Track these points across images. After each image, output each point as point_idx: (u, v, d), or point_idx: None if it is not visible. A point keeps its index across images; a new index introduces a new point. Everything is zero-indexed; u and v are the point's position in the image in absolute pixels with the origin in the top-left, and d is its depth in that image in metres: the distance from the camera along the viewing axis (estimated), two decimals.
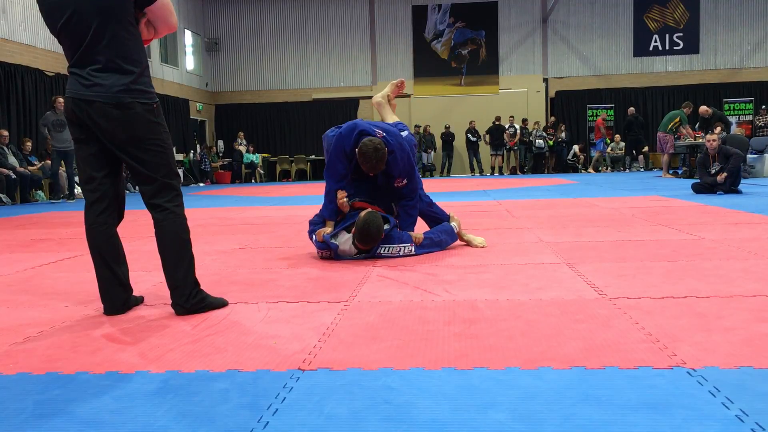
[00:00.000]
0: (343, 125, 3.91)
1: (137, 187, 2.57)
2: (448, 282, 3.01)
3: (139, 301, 2.73)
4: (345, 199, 3.75)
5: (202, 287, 2.58)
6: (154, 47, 17.46)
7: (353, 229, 3.63)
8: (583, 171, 18.39)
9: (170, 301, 2.54)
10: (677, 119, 12.79)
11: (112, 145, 2.46)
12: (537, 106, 19.63)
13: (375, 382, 1.70)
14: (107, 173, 2.54)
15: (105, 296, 2.56)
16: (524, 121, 18.58)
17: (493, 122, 18.25)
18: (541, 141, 18.34)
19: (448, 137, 18.61)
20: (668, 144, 12.88)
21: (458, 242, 4.16)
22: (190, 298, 2.50)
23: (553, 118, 18.98)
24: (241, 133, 19.34)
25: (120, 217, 2.61)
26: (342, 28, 20.11)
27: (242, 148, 19.02)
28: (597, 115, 19.02)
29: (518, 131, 18.46)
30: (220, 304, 2.61)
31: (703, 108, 13.15)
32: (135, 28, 2.45)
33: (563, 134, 18.45)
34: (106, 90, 2.38)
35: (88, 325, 2.40)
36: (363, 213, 3.61)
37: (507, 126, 18.37)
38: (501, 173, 18.44)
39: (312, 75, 20.30)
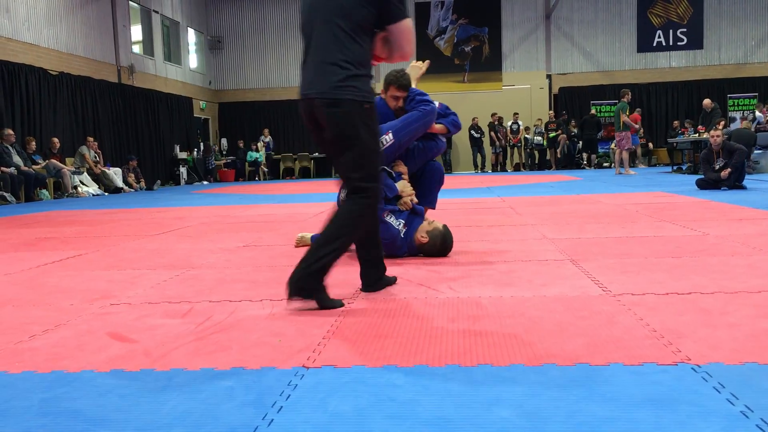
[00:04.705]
0: None
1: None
2: (452, 279, 3.01)
3: (392, 281, 2.83)
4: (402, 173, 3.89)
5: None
6: (158, 46, 17.48)
7: (423, 238, 3.62)
8: (586, 167, 18.36)
9: (175, 300, 2.54)
10: (621, 113, 13.09)
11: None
12: (540, 102, 19.59)
13: (379, 379, 1.70)
14: None
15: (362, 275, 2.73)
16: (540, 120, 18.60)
17: (497, 119, 18.21)
18: (539, 138, 18.31)
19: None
20: (623, 141, 13.20)
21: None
22: (301, 279, 2.44)
23: (551, 113, 18.88)
24: (266, 130, 19.45)
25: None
26: None
27: (263, 143, 19.12)
28: (601, 112, 18.94)
29: (521, 128, 18.43)
30: (335, 305, 2.52)
31: (706, 101, 13.35)
32: (367, 38, 2.46)
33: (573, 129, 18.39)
34: (322, 86, 2.43)
35: (93, 323, 2.40)
36: (439, 227, 3.63)
37: (510, 123, 18.34)
38: (504, 170, 18.42)
39: None
